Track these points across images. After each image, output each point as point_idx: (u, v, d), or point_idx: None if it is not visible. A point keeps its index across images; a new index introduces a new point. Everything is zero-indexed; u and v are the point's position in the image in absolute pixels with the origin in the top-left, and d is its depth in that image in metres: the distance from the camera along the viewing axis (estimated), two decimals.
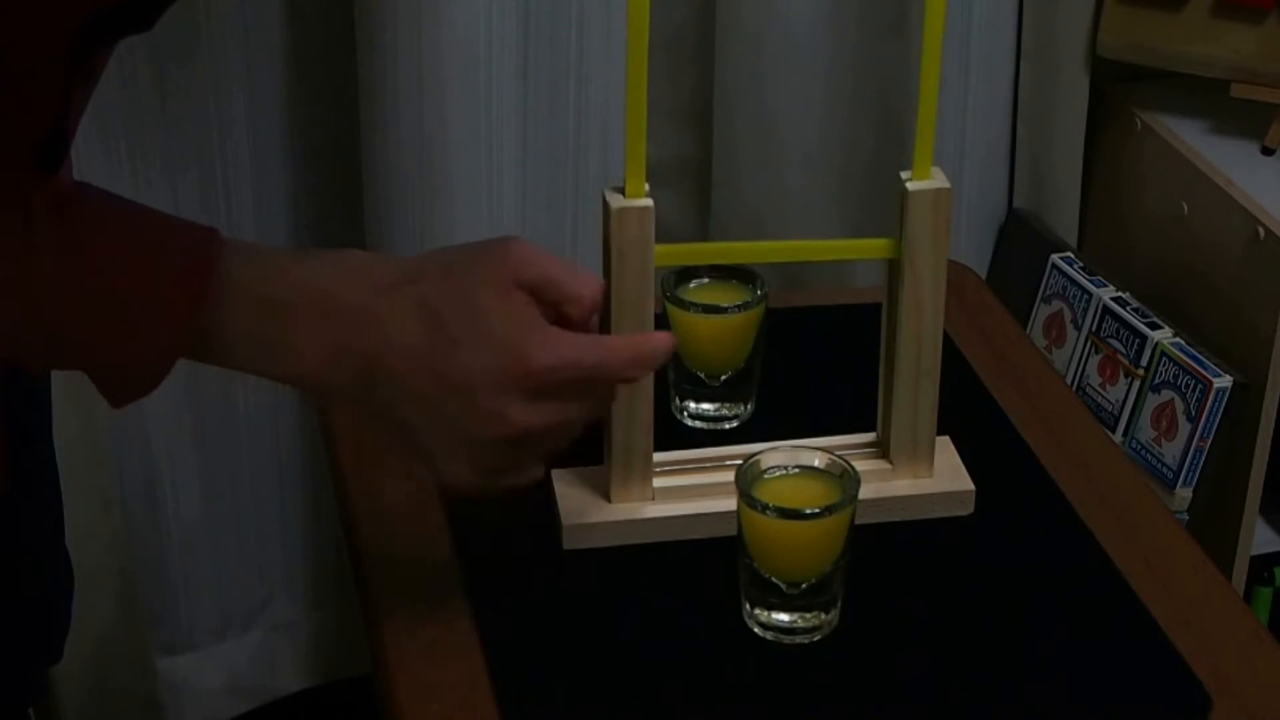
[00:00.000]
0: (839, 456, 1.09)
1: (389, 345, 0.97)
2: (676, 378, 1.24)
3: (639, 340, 1.05)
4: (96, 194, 0.97)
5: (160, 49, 1.75)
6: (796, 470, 1.09)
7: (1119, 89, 2.01)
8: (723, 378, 1.24)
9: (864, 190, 1.95)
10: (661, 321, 1.20)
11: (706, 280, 1.24)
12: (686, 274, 1.24)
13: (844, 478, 1.08)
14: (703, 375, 1.24)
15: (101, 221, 0.96)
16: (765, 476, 1.08)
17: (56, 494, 1.26)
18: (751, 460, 1.09)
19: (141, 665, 1.98)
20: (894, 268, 1.13)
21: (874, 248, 1.13)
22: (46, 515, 1.25)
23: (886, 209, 1.95)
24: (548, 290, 1.00)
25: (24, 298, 0.93)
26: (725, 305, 1.22)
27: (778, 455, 1.09)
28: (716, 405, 1.25)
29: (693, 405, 1.25)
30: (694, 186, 1.96)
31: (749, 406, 1.26)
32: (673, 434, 1.22)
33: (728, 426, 1.25)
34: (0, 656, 1.20)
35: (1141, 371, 1.86)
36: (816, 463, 1.09)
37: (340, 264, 1.00)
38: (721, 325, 1.22)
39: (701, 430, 1.25)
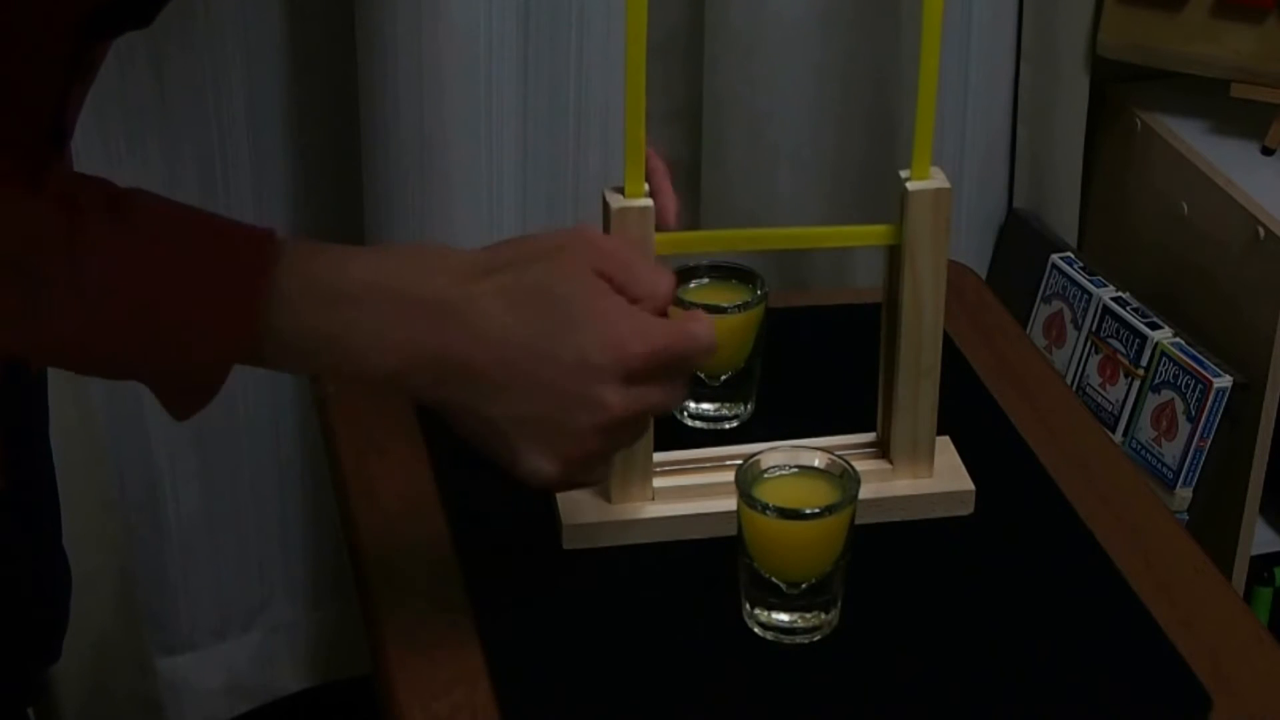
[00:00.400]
0: (839, 456, 1.09)
1: (474, 340, 0.95)
2: None
3: (709, 323, 1.02)
4: (147, 196, 0.95)
5: (160, 48, 1.75)
6: (796, 470, 1.09)
7: (1119, 89, 2.01)
8: (723, 378, 1.24)
9: (856, 190, 1.95)
10: None
11: (706, 280, 1.24)
12: (687, 274, 1.24)
13: (844, 478, 1.08)
14: (703, 375, 1.24)
15: (153, 224, 0.94)
16: (765, 476, 1.08)
17: (53, 493, 1.26)
18: (751, 460, 1.09)
19: (141, 665, 1.98)
20: (894, 267, 1.13)
21: (874, 234, 1.13)
22: (44, 514, 1.25)
23: (879, 209, 1.96)
24: (626, 284, 0.98)
25: (76, 302, 0.90)
26: (725, 305, 1.22)
27: (777, 455, 1.09)
28: (716, 405, 1.25)
29: (692, 405, 1.25)
30: (684, 187, 1.96)
31: (749, 407, 1.25)
32: (673, 434, 1.22)
33: (728, 427, 1.25)
34: (3, 656, 1.21)
35: (1141, 371, 1.86)
36: (816, 463, 1.09)
37: (409, 256, 0.97)
38: (721, 325, 1.22)
39: (701, 430, 1.25)
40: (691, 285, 1.23)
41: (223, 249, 0.95)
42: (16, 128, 0.97)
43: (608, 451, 1.00)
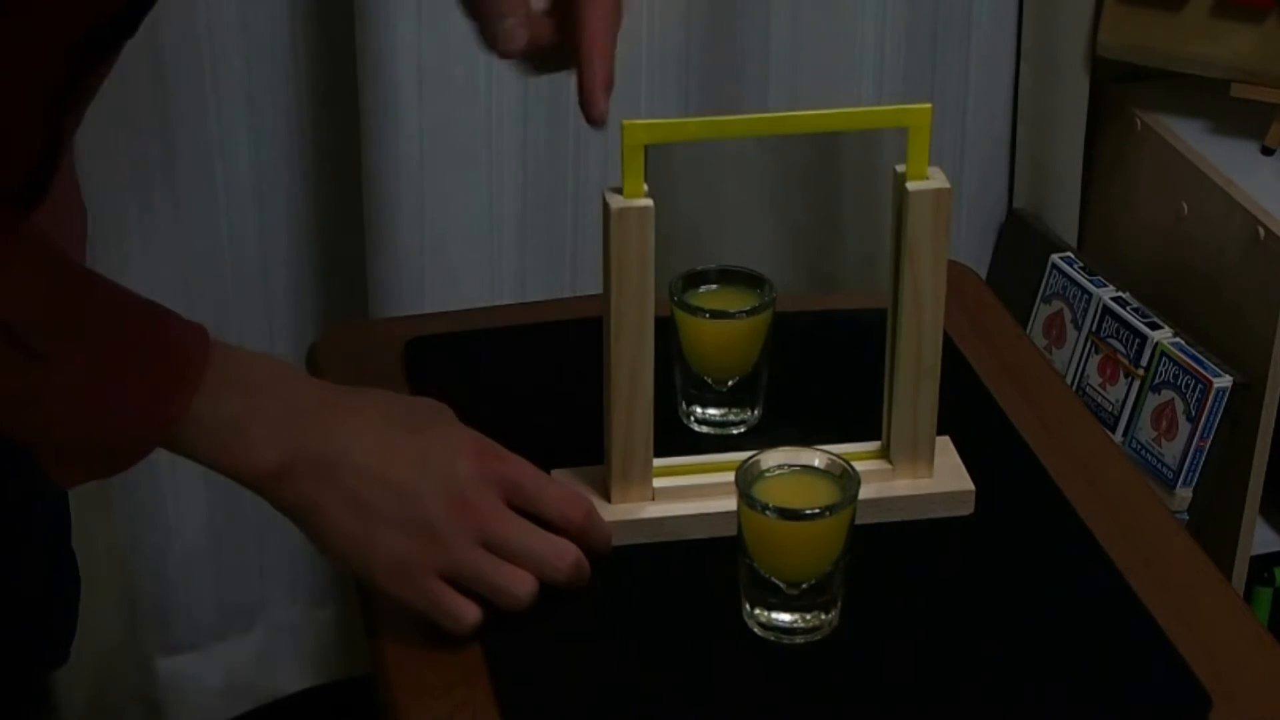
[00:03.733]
0: (838, 456, 1.09)
1: (353, 440, 1.03)
2: (683, 383, 1.24)
3: (590, 524, 1.08)
4: (100, 281, 1.00)
5: (160, 49, 1.75)
6: (796, 470, 1.09)
7: (1119, 89, 2.01)
8: (730, 383, 1.24)
9: (803, 195, 1.95)
10: (667, 325, 1.20)
11: (714, 285, 1.24)
12: (694, 279, 1.23)
13: (844, 478, 1.08)
14: (710, 380, 1.24)
15: (103, 307, 0.99)
16: (765, 476, 1.08)
17: (63, 496, 1.26)
18: (751, 460, 1.09)
19: (141, 665, 1.98)
20: (895, 264, 1.13)
21: (896, 115, 1.11)
22: (52, 517, 1.25)
23: (826, 214, 1.96)
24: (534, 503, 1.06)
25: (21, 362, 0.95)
26: (732, 310, 1.21)
27: (777, 455, 1.09)
28: (724, 410, 1.25)
29: (700, 410, 1.25)
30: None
31: (756, 412, 1.25)
32: (679, 439, 1.21)
33: (735, 432, 1.25)
34: (7, 659, 1.20)
35: (1141, 371, 1.86)
36: (816, 463, 1.09)
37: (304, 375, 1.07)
38: (729, 330, 1.22)
39: (708, 435, 1.25)
40: (699, 290, 1.23)
41: (162, 338, 1.00)
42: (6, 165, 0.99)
43: (465, 571, 1.03)
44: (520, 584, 1.04)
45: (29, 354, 0.94)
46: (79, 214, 1.22)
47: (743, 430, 1.25)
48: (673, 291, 1.21)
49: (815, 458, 1.09)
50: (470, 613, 1.04)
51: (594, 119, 1.07)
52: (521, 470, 1.06)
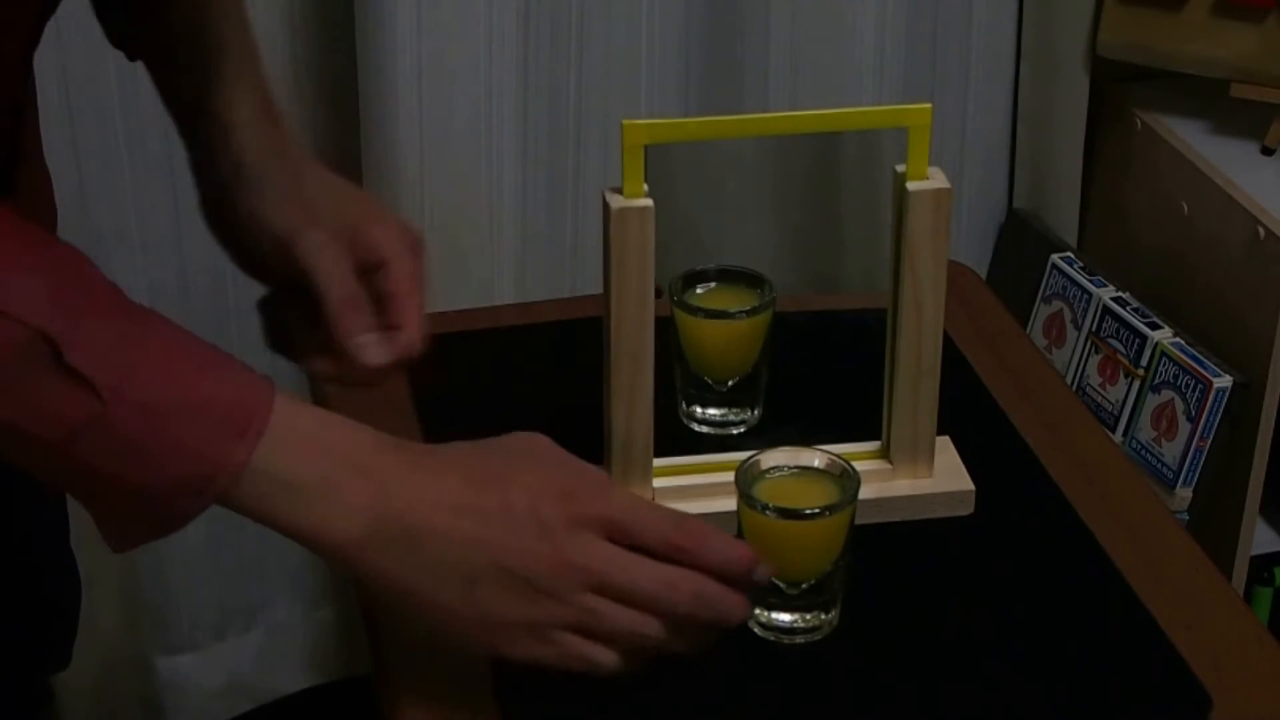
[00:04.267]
0: (838, 457, 1.09)
1: (433, 506, 0.96)
2: (683, 383, 1.24)
3: (719, 541, 1.01)
4: (159, 322, 0.94)
5: None
6: (796, 470, 1.09)
7: (1119, 89, 2.01)
8: (730, 383, 1.24)
9: (802, 193, 1.95)
10: (668, 325, 1.20)
11: (714, 285, 1.24)
12: (693, 278, 1.23)
13: (844, 478, 1.07)
14: (710, 380, 1.24)
15: (164, 341, 0.93)
16: (765, 476, 1.08)
17: (61, 497, 1.26)
18: (751, 460, 1.08)
19: (141, 665, 1.98)
20: (895, 264, 1.13)
21: (896, 115, 1.11)
22: (51, 519, 1.25)
23: (826, 214, 1.96)
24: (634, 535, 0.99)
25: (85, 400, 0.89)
26: (732, 310, 1.21)
27: (777, 455, 1.09)
28: (723, 410, 1.25)
29: (699, 410, 1.25)
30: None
31: (756, 412, 1.25)
32: (679, 439, 1.21)
33: (735, 432, 1.25)
34: (9, 663, 1.20)
35: (1141, 371, 1.86)
36: (816, 463, 1.09)
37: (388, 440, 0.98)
38: (729, 330, 1.22)
39: (708, 435, 1.25)
40: (699, 290, 1.23)
41: (227, 380, 0.94)
42: None
43: (583, 620, 0.98)
44: (641, 627, 0.98)
45: (80, 383, 0.88)
46: (49, 212, 1.20)
47: (742, 430, 1.25)
48: (672, 291, 1.21)
49: (815, 458, 1.09)
50: (605, 656, 0.99)
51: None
52: (612, 503, 0.99)
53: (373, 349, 1.08)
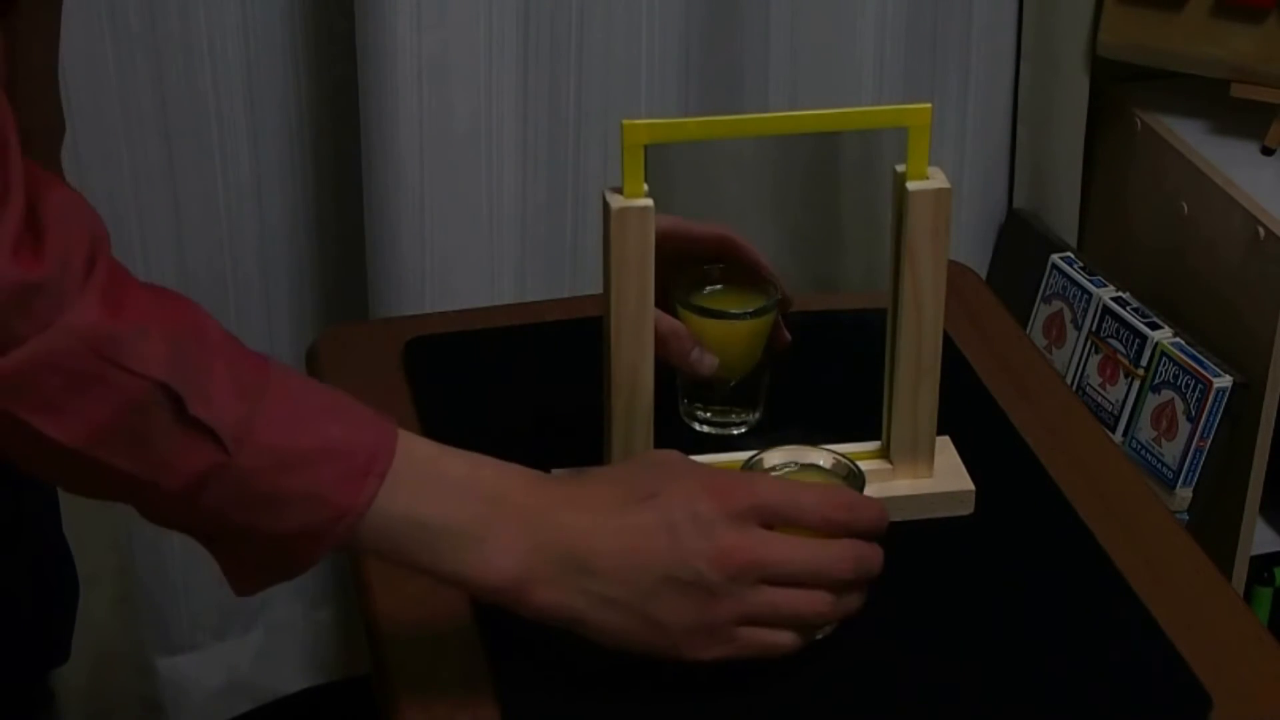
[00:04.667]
0: (844, 456, 1.09)
1: (592, 527, 0.98)
2: (684, 382, 1.24)
3: (863, 503, 1.04)
4: (277, 368, 0.94)
5: (160, 50, 1.75)
6: (801, 469, 1.09)
7: (1119, 89, 2.01)
8: (733, 383, 1.24)
9: (801, 193, 1.95)
10: None
11: (719, 286, 1.24)
12: (699, 280, 1.23)
13: (850, 478, 1.08)
14: (712, 380, 1.23)
15: (291, 384, 0.93)
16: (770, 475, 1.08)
17: (51, 487, 1.26)
18: (754, 459, 1.09)
19: (141, 665, 1.98)
20: (895, 264, 1.13)
21: (896, 115, 1.11)
22: (42, 506, 1.25)
23: (826, 214, 1.96)
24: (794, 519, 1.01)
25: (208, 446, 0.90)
26: (735, 311, 1.21)
27: (781, 454, 1.09)
28: (725, 410, 1.25)
29: (701, 410, 1.25)
30: None
31: (758, 413, 1.25)
32: (680, 439, 1.21)
33: (736, 432, 1.25)
34: (9, 656, 1.20)
35: (1141, 371, 1.86)
36: (821, 462, 1.09)
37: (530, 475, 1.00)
38: (733, 330, 1.22)
39: (710, 436, 1.25)
40: (705, 291, 1.23)
41: (349, 423, 0.94)
42: None
43: (758, 611, 1.00)
44: (815, 605, 1.01)
45: (204, 434, 0.89)
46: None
47: (744, 430, 1.25)
48: (677, 292, 1.21)
49: (820, 457, 1.09)
50: (784, 638, 1.01)
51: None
52: (765, 491, 1.01)
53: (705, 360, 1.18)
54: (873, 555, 1.03)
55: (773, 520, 1.00)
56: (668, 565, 0.97)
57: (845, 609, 1.03)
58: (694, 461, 1.04)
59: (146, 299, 0.89)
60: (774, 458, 1.09)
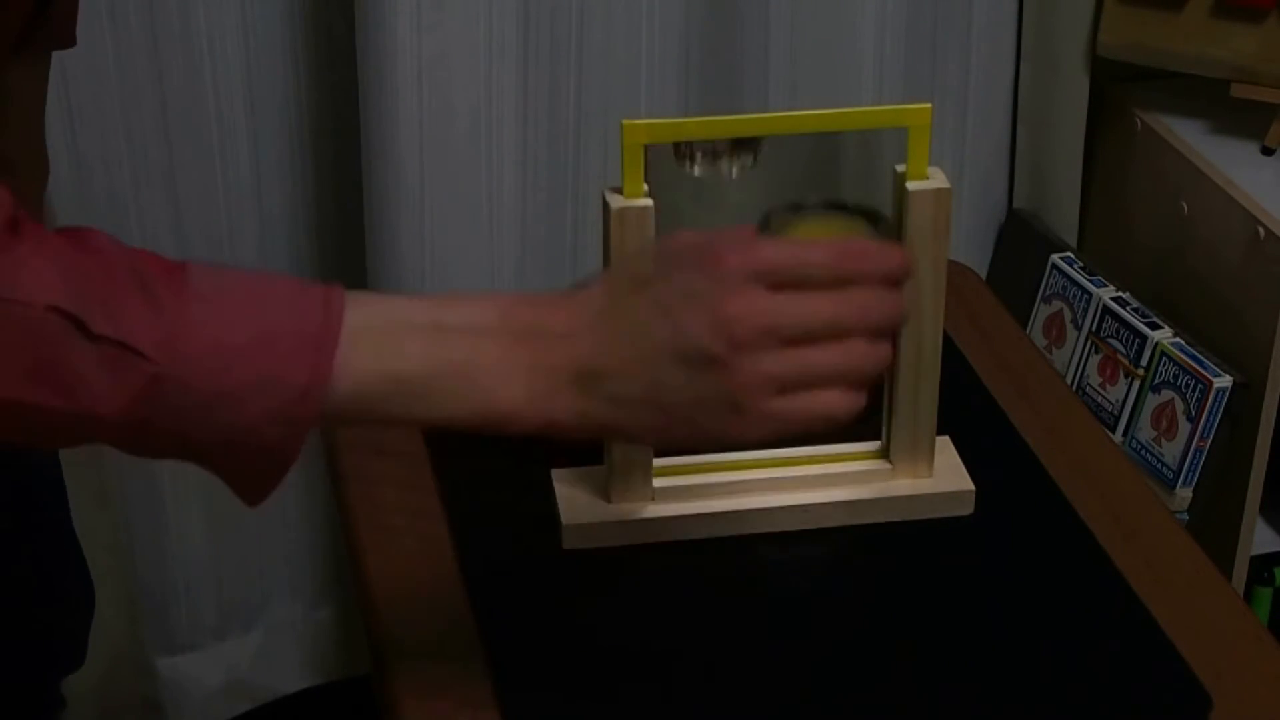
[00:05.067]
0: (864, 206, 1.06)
1: (594, 338, 0.92)
2: None
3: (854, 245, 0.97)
4: (197, 269, 0.89)
5: (160, 50, 1.75)
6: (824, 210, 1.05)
7: (1119, 89, 2.01)
8: None
9: (801, 193, 1.94)
10: None
11: (814, 214, 1.18)
12: (794, 208, 1.18)
13: (873, 221, 1.05)
14: None
15: (216, 283, 0.88)
16: (798, 217, 1.06)
17: (60, 491, 1.26)
18: (766, 218, 1.04)
19: (141, 665, 1.98)
20: None
21: (896, 115, 1.11)
22: (54, 512, 1.25)
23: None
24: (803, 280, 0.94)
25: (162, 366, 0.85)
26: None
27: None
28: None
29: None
30: None
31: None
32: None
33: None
34: (23, 662, 1.20)
35: (1141, 371, 1.86)
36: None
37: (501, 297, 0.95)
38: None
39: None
40: (796, 221, 1.18)
41: (285, 299, 0.89)
42: None
43: (796, 371, 0.93)
44: (837, 357, 0.94)
45: (120, 350, 0.84)
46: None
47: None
48: (765, 223, 1.17)
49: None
50: (835, 400, 0.94)
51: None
52: (760, 252, 0.94)
53: None
54: (890, 297, 0.97)
55: (779, 282, 0.93)
56: (673, 349, 0.92)
57: (881, 359, 0.96)
58: (688, 233, 0.97)
59: (31, 239, 0.85)
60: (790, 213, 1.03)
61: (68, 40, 1.18)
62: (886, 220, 1.03)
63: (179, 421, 0.87)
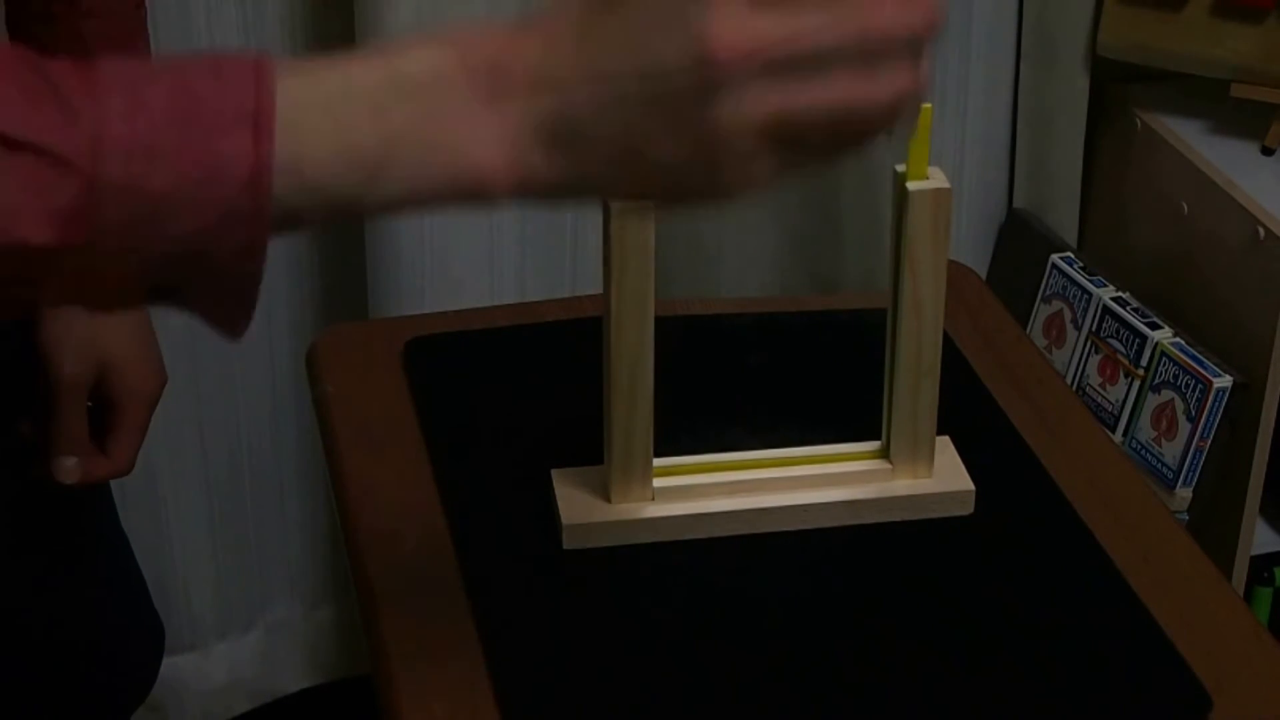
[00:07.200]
0: None
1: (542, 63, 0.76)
2: None
3: None
4: (114, 66, 0.76)
5: (160, 50, 1.75)
6: None
7: (1119, 89, 2.01)
8: None
9: (801, 193, 1.95)
10: (667, 324, 1.20)
11: None
12: None
13: None
14: None
15: (131, 74, 0.75)
16: None
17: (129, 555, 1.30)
18: None
19: None
20: (894, 266, 1.13)
21: None
22: (127, 577, 1.28)
23: (826, 214, 1.96)
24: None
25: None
26: None
27: None
28: None
29: None
30: None
31: None
32: (679, 439, 1.21)
33: None
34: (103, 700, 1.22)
35: (1141, 371, 1.86)
36: None
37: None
38: None
39: (695, 428, 1.24)
40: None
41: (210, 75, 0.75)
42: None
43: (786, 112, 0.76)
44: (848, 90, 0.77)
45: (36, 154, 0.72)
46: None
47: None
48: None
49: None
50: (854, 87, 0.77)
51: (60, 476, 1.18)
52: None
53: (73, 471, 1.22)
54: (913, 6, 0.81)
55: None
56: (646, 85, 0.75)
57: (891, 89, 0.80)
58: None
59: None
60: None
61: None
62: None
63: (122, 241, 0.74)
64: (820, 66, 0.76)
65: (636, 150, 0.76)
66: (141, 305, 0.80)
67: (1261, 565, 1.92)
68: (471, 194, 0.78)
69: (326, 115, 0.76)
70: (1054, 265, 1.97)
